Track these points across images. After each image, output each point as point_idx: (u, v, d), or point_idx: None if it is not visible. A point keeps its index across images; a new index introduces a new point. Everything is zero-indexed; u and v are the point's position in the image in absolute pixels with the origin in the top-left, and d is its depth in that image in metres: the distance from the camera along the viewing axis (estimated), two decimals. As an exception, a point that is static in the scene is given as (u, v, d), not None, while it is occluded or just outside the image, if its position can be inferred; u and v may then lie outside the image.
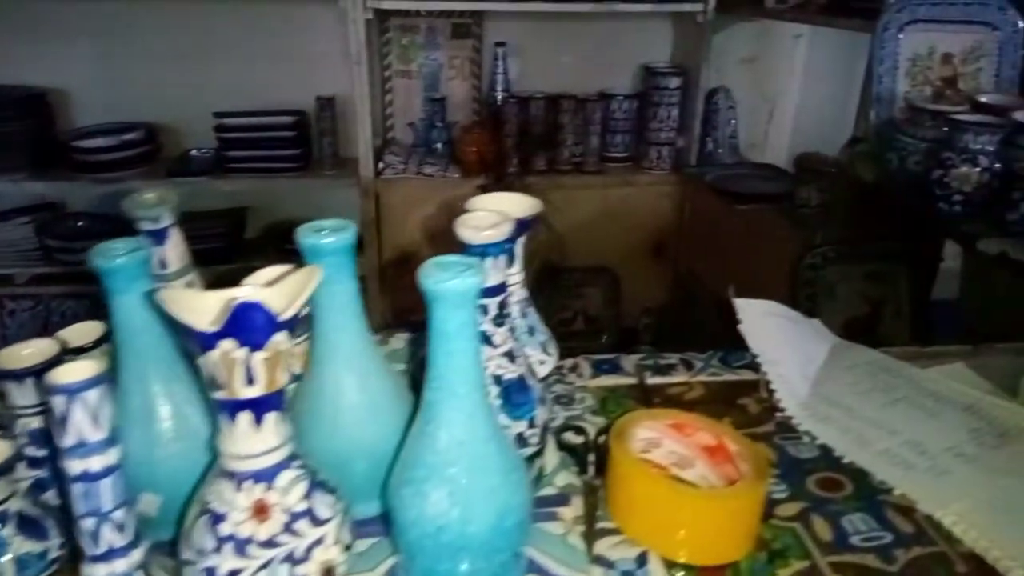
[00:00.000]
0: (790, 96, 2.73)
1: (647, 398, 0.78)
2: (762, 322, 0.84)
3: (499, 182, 2.22)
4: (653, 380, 0.83)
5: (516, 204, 0.65)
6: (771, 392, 0.77)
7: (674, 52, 2.66)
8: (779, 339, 0.83)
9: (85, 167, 2.25)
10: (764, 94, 2.78)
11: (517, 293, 0.67)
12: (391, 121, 2.57)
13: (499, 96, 2.48)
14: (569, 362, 0.85)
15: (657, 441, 0.66)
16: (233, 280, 0.48)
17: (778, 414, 0.76)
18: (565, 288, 2.65)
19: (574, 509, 0.61)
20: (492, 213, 0.56)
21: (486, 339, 0.56)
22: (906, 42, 1.59)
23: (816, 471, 0.69)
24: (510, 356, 0.57)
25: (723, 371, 0.84)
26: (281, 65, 2.44)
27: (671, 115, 2.52)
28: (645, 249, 2.66)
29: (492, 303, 0.55)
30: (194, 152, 2.44)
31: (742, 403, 0.79)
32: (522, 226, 0.64)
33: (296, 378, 0.58)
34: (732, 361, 0.86)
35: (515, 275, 0.66)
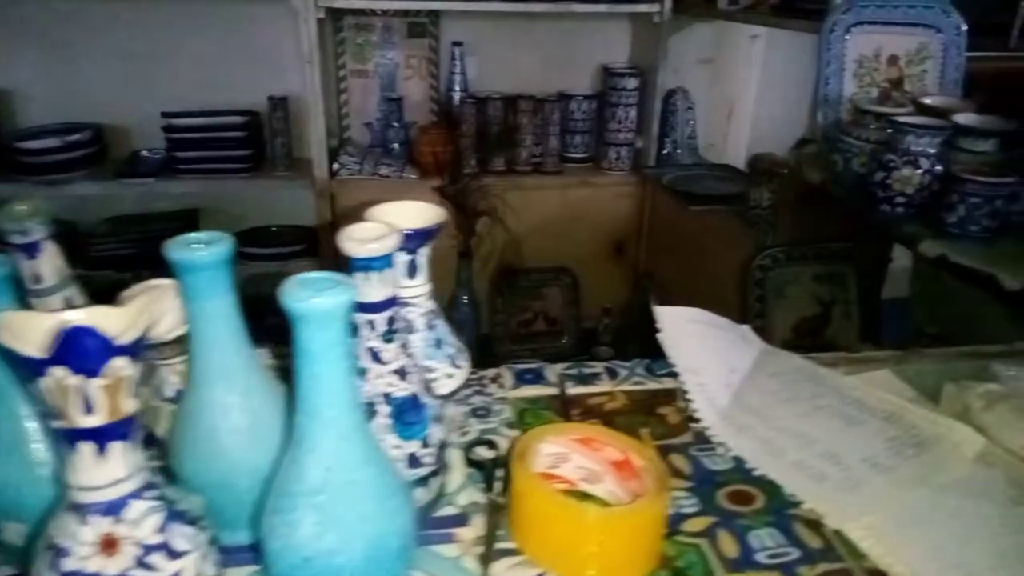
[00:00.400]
0: (748, 97, 2.74)
1: (566, 409, 0.77)
2: (684, 330, 0.83)
3: (455, 183, 2.19)
4: (575, 390, 0.81)
5: (420, 213, 0.63)
6: (688, 402, 0.76)
7: (632, 53, 2.66)
8: (701, 347, 0.82)
9: (30, 169, 2.19)
10: (723, 95, 2.78)
11: (422, 305, 0.65)
12: (347, 121, 2.54)
13: (456, 96, 2.46)
14: (491, 372, 0.83)
15: (565, 456, 0.64)
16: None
17: (693, 425, 0.75)
18: (525, 289, 2.63)
19: (474, 529, 0.59)
20: (380, 225, 0.53)
21: (374, 356, 0.54)
22: (852, 44, 1.60)
23: (729, 484, 0.67)
24: (401, 373, 0.55)
25: (647, 380, 0.83)
26: (233, 64, 2.39)
27: (629, 116, 2.52)
28: (605, 250, 2.65)
29: (379, 319, 0.53)
30: (144, 153, 2.38)
31: (662, 413, 0.77)
32: (424, 236, 0.62)
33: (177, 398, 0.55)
34: (657, 369, 0.84)
35: (418, 287, 0.64)
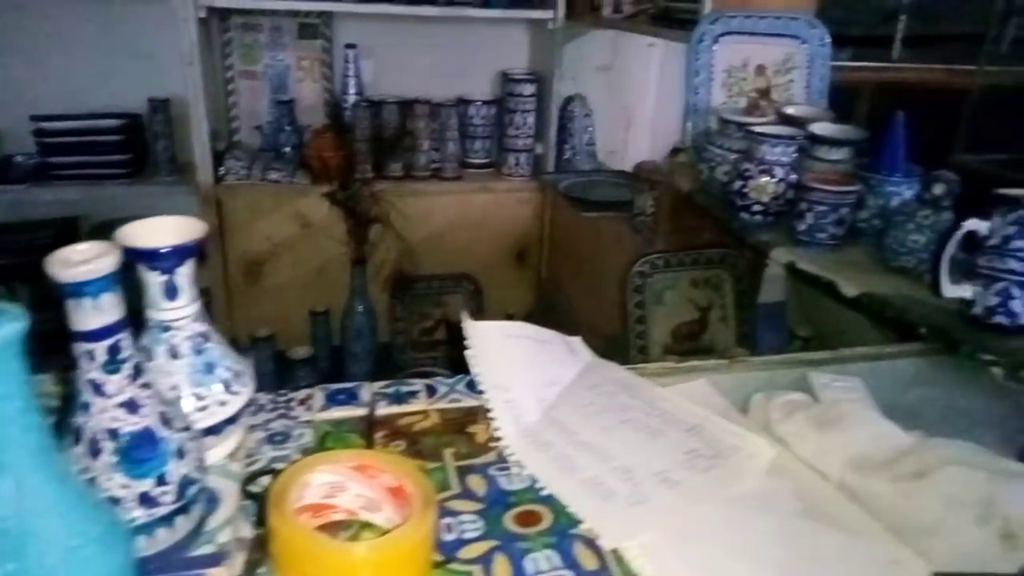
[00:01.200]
0: (646, 104, 2.77)
1: (371, 432, 0.74)
2: (500, 344, 0.81)
3: (344, 189, 2.15)
4: (388, 410, 0.79)
5: (179, 228, 0.60)
6: (490, 420, 0.75)
7: (531, 59, 2.66)
8: (517, 362, 0.81)
9: None
10: (621, 102, 2.81)
11: (187, 328, 0.61)
12: (236, 124, 2.46)
13: (350, 99, 2.41)
14: (302, 393, 0.80)
15: (341, 485, 0.61)
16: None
17: (495, 444, 0.73)
18: (426, 296, 2.60)
19: (230, 569, 0.56)
20: (97, 245, 0.50)
21: (96, 389, 0.50)
22: (721, 54, 1.63)
23: (519, 504, 0.66)
24: (131, 406, 0.51)
25: (465, 397, 0.81)
26: (112, 65, 2.29)
27: (528, 122, 2.52)
28: (507, 255, 2.65)
29: (99, 348, 0.50)
30: (19, 158, 2.25)
31: (472, 431, 0.76)
32: (181, 253, 0.59)
33: None
34: (477, 386, 0.83)
35: (181, 309, 0.60)
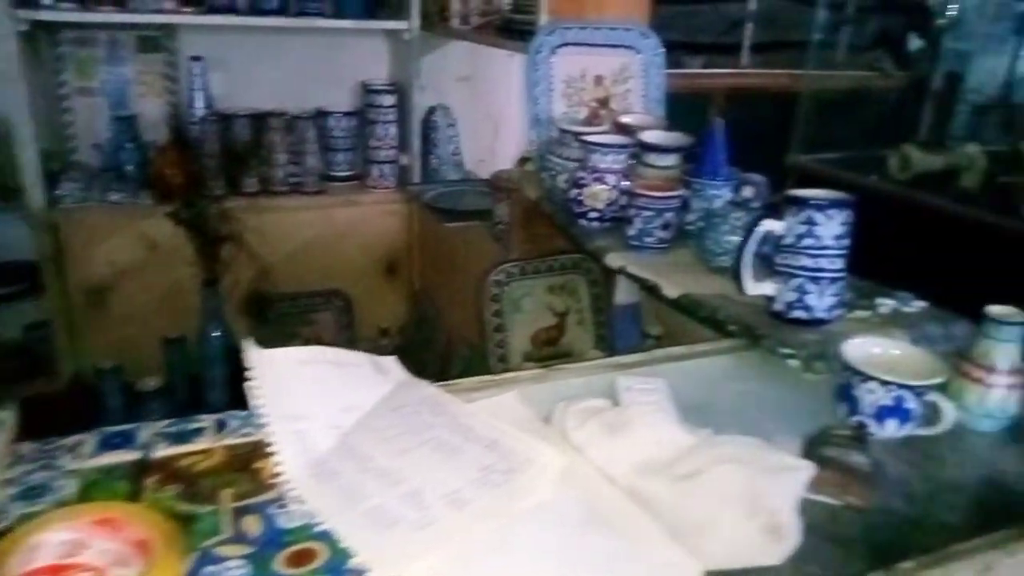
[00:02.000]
0: (511, 112, 2.79)
1: (141, 477, 0.69)
2: (292, 372, 0.78)
3: (190, 207, 2.04)
4: (169, 451, 0.74)
5: None
6: (272, 454, 0.71)
7: (391, 69, 2.63)
8: (310, 389, 0.78)
9: None
10: (486, 111, 2.82)
11: None
12: (74, 143, 2.30)
13: (198, 114, 2.30)
14: (71, 440, 0.74)
15: (83, 542, 0.56)
16: None
17: (276, 479, 0.70)
18: (293, 315, 2.52)
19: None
20: None
21: None
22: (559, 64, 1.65)
23: (295, 543, 0.63)
24: None
25: (258, 430, 0.77)
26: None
27: (390, 133, 2.48)
28: (377, 268, 2.60)
29: None
30: None
31: (258, 467, 0.72)
32: None
33: None
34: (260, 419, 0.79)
35: None
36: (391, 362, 0.90)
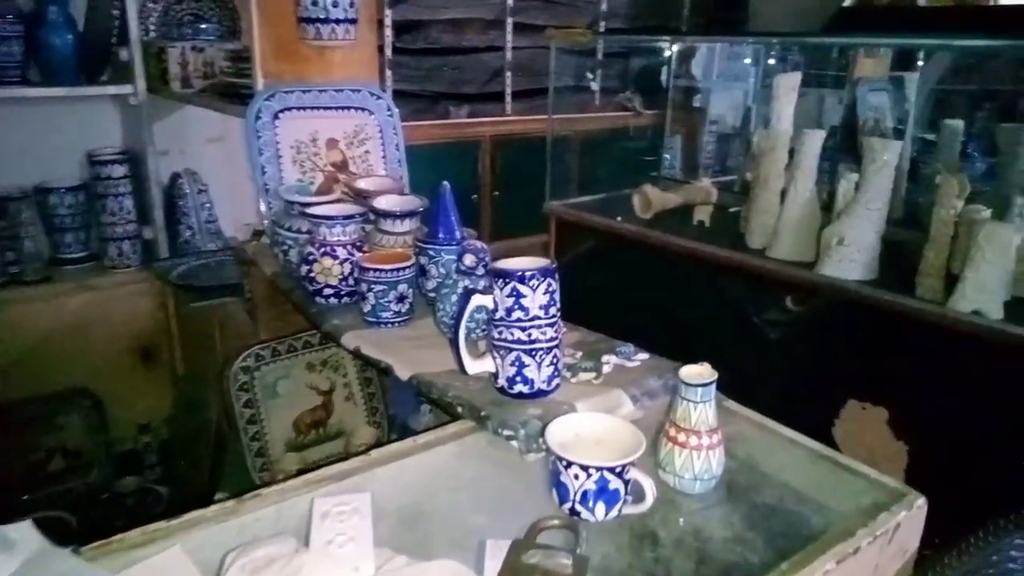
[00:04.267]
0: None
1: None
2: None
3: None
4: None
5: None
6: None
7: (124, 136, 2.37)
8: None
9: None
10: (243, 173, 2.64)
11: None
12: None
13: None
14: None
15: None
16: None
17: None
18: (30, 423, 2.17)
19: None
20: None
21: None
22: (284, 129, 1.55)
23: None
24: None
25: None
26: None
27: (125, 206, 2.24)
28: (130, 358, 2.31)
29: None
30: None
31: None
32: None
33: None
34: None
35: None
36: (23, 530, 0.73)
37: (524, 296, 0.92)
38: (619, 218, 1.97)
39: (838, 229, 1.52)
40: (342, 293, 1.32)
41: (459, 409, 0.98)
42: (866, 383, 1.51)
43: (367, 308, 1.23)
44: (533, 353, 0.94)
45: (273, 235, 1.45)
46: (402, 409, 1.81)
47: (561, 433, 0.80)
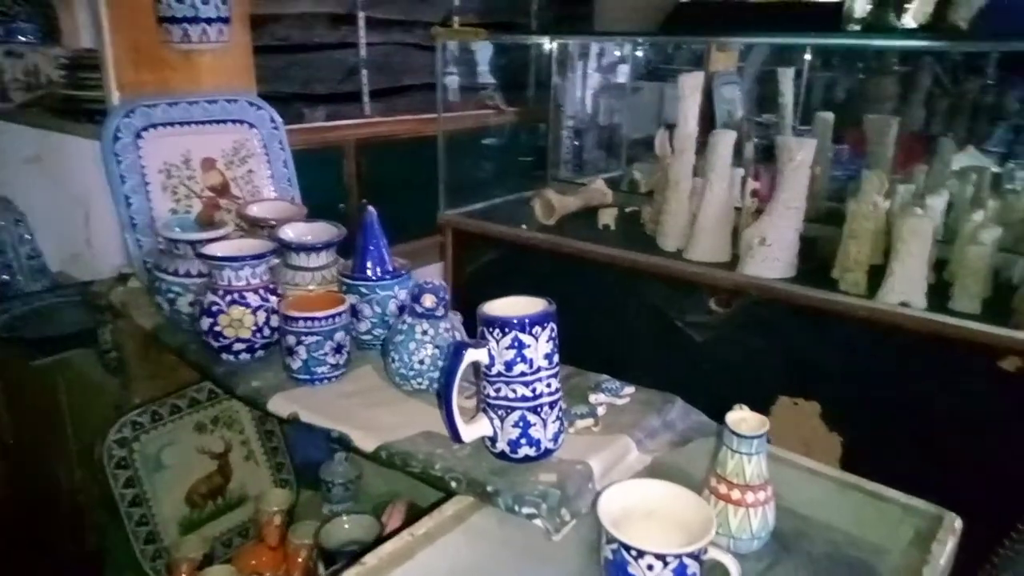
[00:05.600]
0: (102, 194, 2.25)
1: None
2: None
3: None
4: None
5: None
6: None
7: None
8: None
9: None
10: (71, 196, 2.23)
11: None
12: None
13: None
14: None
15: None
16: None
17: None
18: None
19: None
20: None
21: None
22: (150, 150, 1.28)
23: None
24: None
25: None
26: None
27: (-84, 248, 1.79)
28: (-62, 433, 1.87)
29: None
30: None
31: None
32: None
33: None
34: None
35: None
36: None
37: (527, 346, 0.79)
38: (524, 226, 1.87)
39: (760, 229, 1.52)
40: (256, 347, 1.10)
41: (453, 485, 0.83)
42: (796, 379, 1.53)
43: (296, 364, 1.03)
44: (538, 410, 0.81)
45: (153, 281, 1.19)
46: (308, 457, 1.60)
47: (610, 511, 0.68)
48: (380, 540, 1.25)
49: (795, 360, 1.53)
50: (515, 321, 0.78)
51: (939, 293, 1.42)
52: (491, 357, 0.80)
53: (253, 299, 1.08)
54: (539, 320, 0.79)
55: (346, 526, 1.29)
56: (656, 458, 0.91)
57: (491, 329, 0.79)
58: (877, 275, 1.45)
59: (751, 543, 0.74)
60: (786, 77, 2.04)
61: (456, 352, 0.80)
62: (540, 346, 0.80)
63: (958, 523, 0.80)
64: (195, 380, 1.40)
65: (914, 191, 1.80)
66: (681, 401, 1.01)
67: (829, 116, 2.02)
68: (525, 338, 0.79)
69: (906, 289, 1.36)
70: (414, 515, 1.32)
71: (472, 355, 0.80)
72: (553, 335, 0.81)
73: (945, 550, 0.75)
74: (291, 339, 1.03)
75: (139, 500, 1.34)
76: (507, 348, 0.79)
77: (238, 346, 1.09)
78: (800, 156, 1.47)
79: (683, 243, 1.69)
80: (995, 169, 1.87)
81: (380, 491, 1.50)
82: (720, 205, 1.61)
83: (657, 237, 1.75)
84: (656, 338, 1.67)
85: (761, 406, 1.56)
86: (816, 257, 1.61)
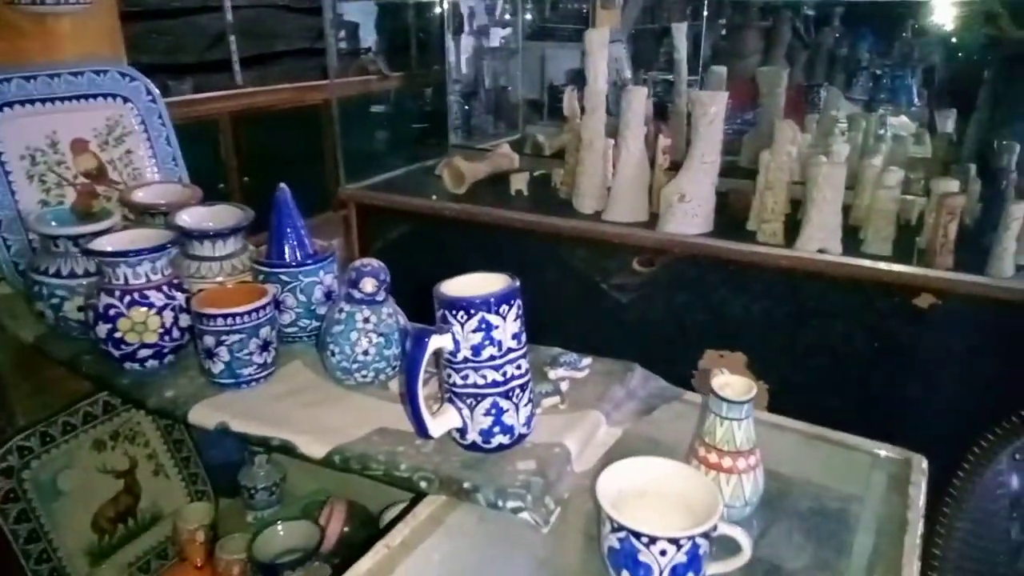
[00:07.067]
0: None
1: None
2: None
3: None
4: None
5: None
6: None
7: None
8: None
9: None
10: None
11: None
12: None
13: None
14: None
15: None
16: None
17: None
18: None
19: None
20: None
21: None
22: (9, 133, 1.10)
23: None
24: None
25: None
26: None
27: None
28: None
29: None
30: None
31: None
32: None
33: None
34: None
35: None
36: None
37: (495, 327, 0.73)
38: (434, 196, 1.78)
39: (678, 186, 1.51)
40: (165, 351, 0.97)
41: (423, 485, 0.76)
42: (721, 331, 1.55)
43: (218, 367, 0.92)
44: (510, 394, 0.76)
45: (30, 285, 1.02)
46: (219, 459, 1.47)
47: (609, 496, 0.64)
48: (321, 544, 1.17)
49: (719, 313, 1.55)
50: (479, 301, 0.72)
51: (849, 238, 1.48)
52: (456, 343, 0.73)
53: (156, 298, 0.95)
54: (505, 298, 0.73)
55: (281, 534, 1.19)
56: (625, 430, 0.88)
57: (454, 312, 0.72)
58: (790, 225, 1.48)
59: (744, 510, 0.72)
60: (680, 33, 2.04)
61: (418, 341, 0.72)
62: (508, 326, 0.74)
63: (924, 464, 0.82)
64: (88, 392, 1.24)
65: (809, 141, 1.86)
66: (640, 368, 0.98)
67: (722, 70, 2.05)
68: (492, 319, 0.72)
69: (823, 236, 1.40)
70: (356, 515, 1.24)
71: (436, 342, 0.72)
72: (520, 313, 0.75)
73: (921, 492, 0.77)
74: (210, 340, 0.91)
75: (37, 535, 1.17)
76: (473, 331, 0.72)
77: (143, 352, 0.96)
78: (714, 109, 1.46)
79: (600, 204, 1.66)
80: (880, 113, 1.96)
81: (307, 490, 1.40)
82: (636, 164, 1.59)
83: (573, 199, 1.71)
84: (581, 302, 1.64)
85: (689, 361, 1.59)
86: (728, 211, 1.63)
